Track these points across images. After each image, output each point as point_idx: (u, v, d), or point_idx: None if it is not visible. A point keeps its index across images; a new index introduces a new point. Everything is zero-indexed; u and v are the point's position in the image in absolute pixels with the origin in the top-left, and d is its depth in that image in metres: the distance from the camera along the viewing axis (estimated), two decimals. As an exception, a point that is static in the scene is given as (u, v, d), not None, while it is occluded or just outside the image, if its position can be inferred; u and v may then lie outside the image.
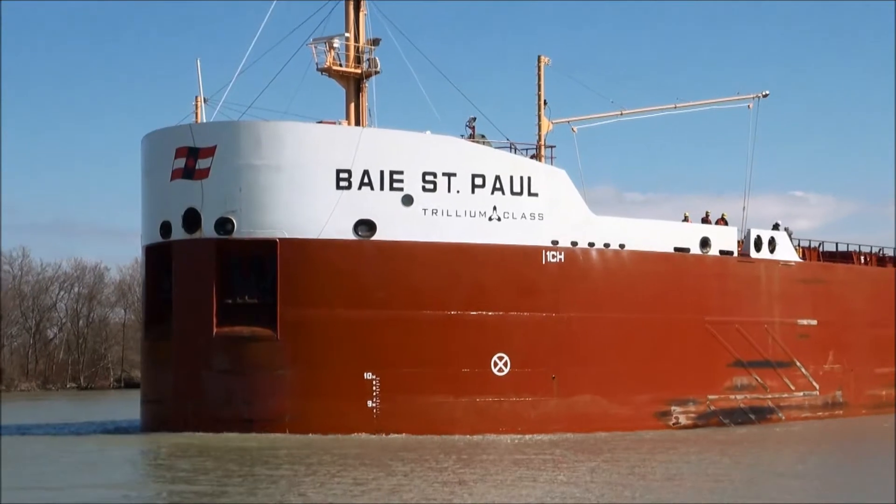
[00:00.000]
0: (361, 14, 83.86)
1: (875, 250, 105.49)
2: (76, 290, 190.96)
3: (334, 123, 79.25)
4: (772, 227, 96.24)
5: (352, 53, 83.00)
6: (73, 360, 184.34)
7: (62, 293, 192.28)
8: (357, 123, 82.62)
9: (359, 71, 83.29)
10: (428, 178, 77.50)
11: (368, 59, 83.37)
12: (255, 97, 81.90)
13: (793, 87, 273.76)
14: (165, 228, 78.93)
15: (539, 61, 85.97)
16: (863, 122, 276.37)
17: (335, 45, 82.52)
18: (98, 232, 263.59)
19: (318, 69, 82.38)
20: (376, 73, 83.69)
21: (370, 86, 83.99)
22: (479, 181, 78.50)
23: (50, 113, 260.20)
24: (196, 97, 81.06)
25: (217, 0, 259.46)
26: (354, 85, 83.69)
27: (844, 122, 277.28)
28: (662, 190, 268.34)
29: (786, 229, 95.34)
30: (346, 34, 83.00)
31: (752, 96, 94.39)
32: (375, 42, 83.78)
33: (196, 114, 79.83)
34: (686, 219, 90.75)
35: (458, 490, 52.17)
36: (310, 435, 74.06)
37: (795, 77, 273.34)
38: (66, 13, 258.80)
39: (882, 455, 69.10)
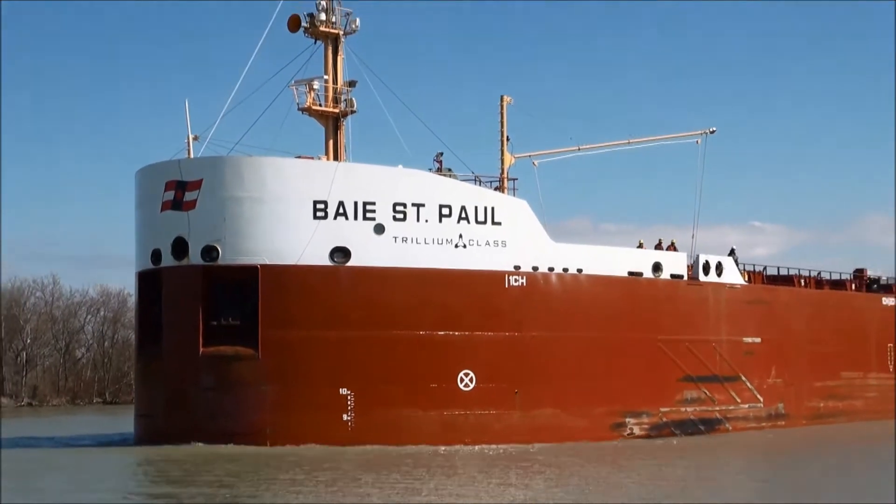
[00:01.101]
0: (339, 58, 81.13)
1: (814, 274, 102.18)
2: (102, 314, 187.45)
3: (312, 158, 76.60)
4: (728, 252, 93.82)
5: (330, 94, 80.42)
6: (99, 378, 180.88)
7: (89, 317, 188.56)
8: (336, 158, 79.91)
9: (337, 111, 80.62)
10: (398, 208, 74.70)
11: (346, 100, 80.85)
12: (242, 135, 79.06)
13: (745, 123, 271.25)
14: (156, 256, 76.16)
15: (502, 101, 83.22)
16: (811, 157, 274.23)
17: (315, 86, 79.84)
18: (125, 262, 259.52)
19: (299, 109, 79.71)
20: (353, 112, 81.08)
21: (347, 124, 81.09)
22: (446, 211, 75.68)
23: (70, 151, 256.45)
24: (190, 135, 77.58)
25: (208, 41, 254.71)
26: (333, 123, 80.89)
27: (794, 157, 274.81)
28: (633, 221, 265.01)
29: (730, 253, 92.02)
30: (325, 77, 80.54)
31: (699, 132, 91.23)
32: (352, 84, 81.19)
33: (188, 150, 76.58)
34: (640, 245, 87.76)
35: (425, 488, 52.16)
36: (289, 446, 71.24)
37: (750, 113, 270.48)
38: (66, 58, 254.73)
39: (819, 459, 70.03)
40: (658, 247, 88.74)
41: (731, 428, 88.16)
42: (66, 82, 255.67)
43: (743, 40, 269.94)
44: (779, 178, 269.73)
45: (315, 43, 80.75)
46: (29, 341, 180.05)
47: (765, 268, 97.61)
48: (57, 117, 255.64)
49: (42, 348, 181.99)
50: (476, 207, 76.34)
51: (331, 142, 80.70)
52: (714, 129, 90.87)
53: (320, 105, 79.90)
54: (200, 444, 71.78)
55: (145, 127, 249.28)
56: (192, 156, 76.16)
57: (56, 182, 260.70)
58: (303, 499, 50.35)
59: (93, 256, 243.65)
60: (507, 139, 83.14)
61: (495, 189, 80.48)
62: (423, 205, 75.10)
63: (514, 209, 78.42)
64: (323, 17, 79.82)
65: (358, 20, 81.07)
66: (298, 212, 73.49)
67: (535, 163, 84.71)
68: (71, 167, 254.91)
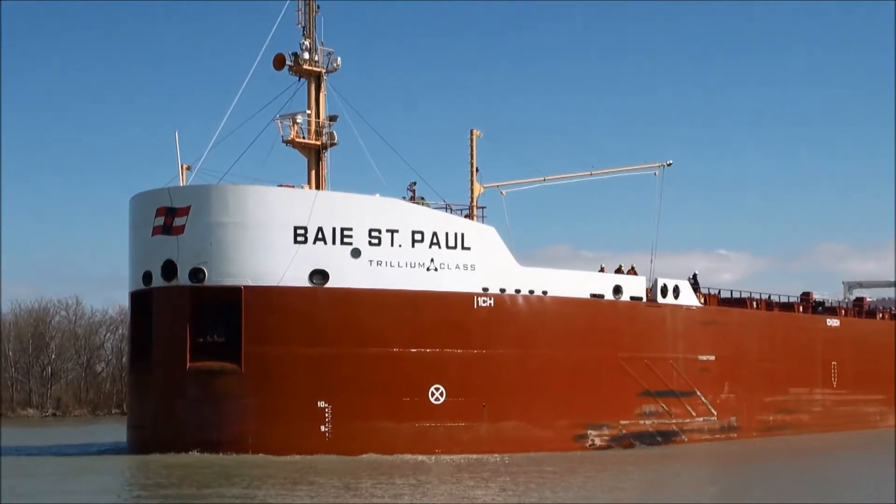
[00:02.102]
0: (322, 94, 78.62)
1: (765, 298, 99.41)
2: (120, 331, 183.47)
3: (293, 187, 73.95)
4: (691, 277, 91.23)
5: (312, 128, 77.91)
6: (117, 390, 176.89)
7: (108, 334, 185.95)
8: (318, 187, 77.30)
9: (318, 143, 78.04)
10: (374, 233, 72.12)
11: (327, 133, 78.31)
12: (231, 165, 76.34)
13: (710, 158, 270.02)
14: (147, 277, 73.51)
15: (472, 134, 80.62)
16: (772, 192, 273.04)
17: (298, 120, 77.40)
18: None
19: (283, 141, 77.20)
20: (333, 144, 78.51)
21: (328, 155, 78.52)
22: (418, 237, 73.06)
23: (92, 183, 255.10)
24: (182, 165, 74.99)
25: (201, 77, 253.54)
26: (315, 154, 78.31)
27: (757, 192, 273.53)
28: (610, 248, 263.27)
29: (689, 279, 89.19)
30: (308, 111, 78.03)
31: (657, 165, 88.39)
32: (333, 118, 78.68)
33: (181, 178, 73.99)
34: (602, 269, 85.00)
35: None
36: (270, 455, 68.50)
37: (714, 148, 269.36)
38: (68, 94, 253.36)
39: (768, 466, 68.92)
40: (619, 271, 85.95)
41: (686, 439, 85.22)
42: (79, 111, 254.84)
43: (703, 77, 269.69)
44: (742, 210, 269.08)
45: (299, 80, 78.28)
46: (54, 356, 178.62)
47: (719, 291, 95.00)
48: (72, 152, 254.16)
49: (66, 363, 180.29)
50: (447, 233, 73.82)
51: (313, 172, 78.15)
52: (671, 161, 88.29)
53: (303, 138, 77.45)
54: (187, 453, 68.97)
55: (150, 158, 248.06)
56: (184, 183, 73.62)
57: (77, 210, 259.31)
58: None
59: (111, 278, 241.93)
60: (477, 170, 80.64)
61: (465, 216, 77.81)
62: (397, 231, 72.59)
63: (482, 235, 75.82)
64: (306, 56, 77.47)
65: (339, 59, 78.72)
66: (280, 237, 70.94)
67: (503, 192, 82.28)
68: (93, 196, 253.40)
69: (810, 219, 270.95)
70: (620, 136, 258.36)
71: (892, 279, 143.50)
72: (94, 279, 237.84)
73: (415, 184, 77.69)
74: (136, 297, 75.36)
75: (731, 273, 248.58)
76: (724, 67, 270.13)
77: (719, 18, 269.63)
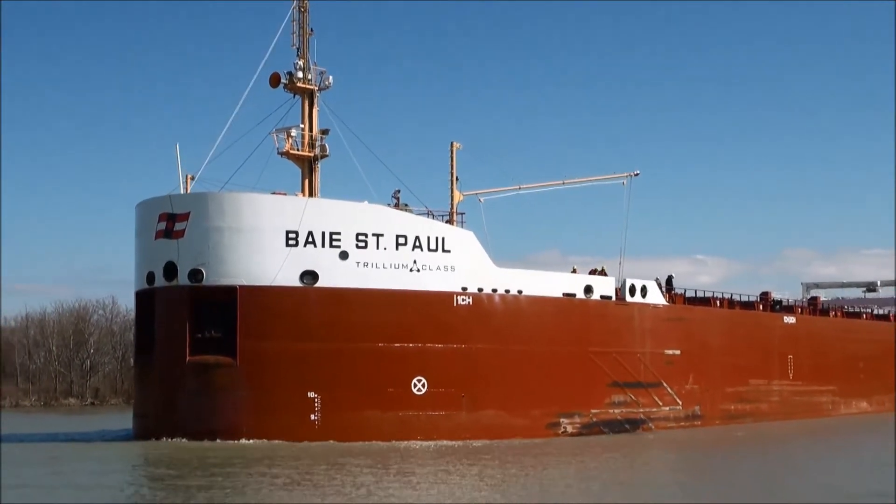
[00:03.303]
0: (314, 110, 75.44)
1: (727, 297, 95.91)
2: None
3: (286, 194, 70.66)
4: (667, 279, 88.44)
5: (306, 141, 74.71)
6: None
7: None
8: (310, 195, 74.09)
9: (311, 154, 74.86)
10: (360, 237, 68.95)
11: (319, 145, 75.12)
12: (231, 175, 73.12)
13: (689, 169, 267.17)
14: (150, 278, 70.45)
15: (452, 146, 77.33)
16: (747, 204, 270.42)
17: (292, 134, 74.26)
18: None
19: (278, 153, 74.02)
20: (325, 156, 75.34)
21: (320, 166, 75.33)
22: (402, 240, 69.89)
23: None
24: (187, 175, 71.77)
25: (204, 93, 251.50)
26: (308, 165, 75.10)
27: (731, 203, 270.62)
28: (597, 253, 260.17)
29: (657, 280, 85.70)
30: (302, 125, 74.86)
31: (625, 175, 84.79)
32: (325, 132, 75.49)
33: (186, 187, 70.90)
34: (574, 270, 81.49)
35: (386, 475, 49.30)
36: (263, 441, 65.87)
37: (693, 159, 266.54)
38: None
39: (729, 452, 67.32)
40: (593, 272, 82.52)
41: (653, 427, 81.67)
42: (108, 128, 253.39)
43: (673, 88, 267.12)
44: (718, 219, 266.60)
45: (293, 97, 75.14)
46: (92, 351, 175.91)
47: (685, 291, 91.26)
48: (105, 169, 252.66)
49: (103, 357, 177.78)
50: (428, 237, 70.65)
51: (306, 181, 74.96)
52: (638, 171, 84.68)
53: (297, 150, 74.27)
54: (185, 440, 66.16)
55: (168, 170, 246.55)
56: (189, 191, 70.54)
57: (114, 218, 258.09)
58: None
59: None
60: (457, 179, 77.41)
61: (446, 221, 74.55)
62: (382, 234, 69.45)
63: (461, 239, 72.63)
64: (300, 75, 74.33)
65: (331, 78, 75.61)
66: (272, 240, 67.91)
67: (481, 199, 78.89)
68: (128, 206, 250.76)
69: (779, 227, 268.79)
70: (595, 147, 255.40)
71: (845, 281, 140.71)
72: (128, 282, 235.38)
73: (399, 191, 74.66)
74: (140, 296, 72.30)
75: (708, 276, 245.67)
76: (695, 82, 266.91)
77: (685, 34, 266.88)
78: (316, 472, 51.92)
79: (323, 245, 68.32)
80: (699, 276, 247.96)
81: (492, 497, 44.40)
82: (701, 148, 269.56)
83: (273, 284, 67.61)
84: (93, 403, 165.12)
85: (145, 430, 69.84)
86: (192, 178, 71.73)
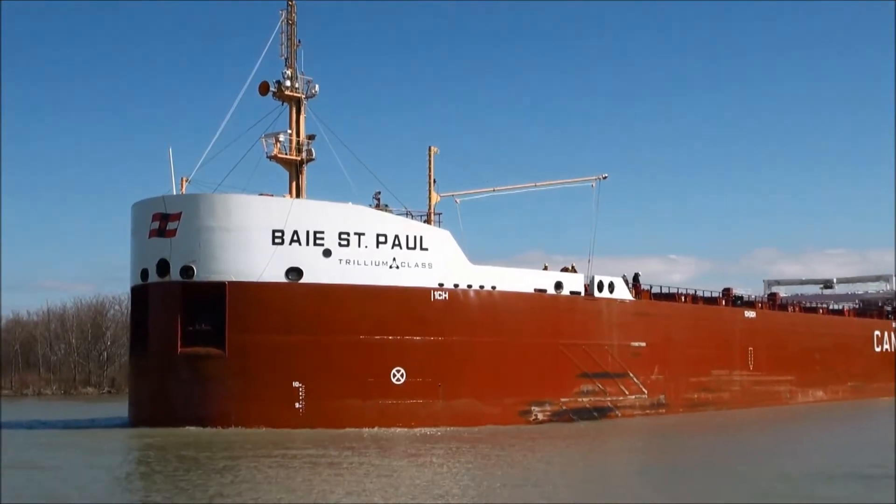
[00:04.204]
0: (302, 116, 73.49)
1: (691, 292, 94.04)
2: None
3: (272, 196, 68.66)
4: (633, 276, 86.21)
5: (293, 145, 72.72)
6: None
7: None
8: (297, 196, 72.03)
9: (298, 158, 72.85)
10: (343, 236, 67.03)
11: (306, 150, 73.11)
12: (223, 178, 71.09)
13: (664, 173, 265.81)
14: (144, 274, 68.47)
15: (430, 150, 75.26)
16: (716, 206, 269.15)
17: (281, 139, 72.29)
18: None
19: (267, 157, 72.00)
20: (311, 160, 73.31)
21: (307, 169, 73.31)
22: (382, 239, 67.95)
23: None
24: (182, 177, 69.70)
25: (198, 100, 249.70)
26: (295, 168, 73.11)
27: (701, 205, 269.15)
28: (579, 253, 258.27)
29: (624, 277, 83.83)
30: (289, 131, 72.80)
31: (594, 178, 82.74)
32: (311, 137, 73.49)
33: (181, 189, 68.93)
34: (546, 268, 79.55)
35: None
36: (251, 428, 63.85)
37: (668, 164, 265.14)
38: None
39: (691, 436, 66.42)
40: (564, 270, 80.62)
41: (620, 414, 79.69)
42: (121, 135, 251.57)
43: (644, 96, 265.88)
44: (690, 219, 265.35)
45: (282, 104, 73.19)
46: (109, 343, 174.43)
47: (651, 287, 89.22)
48: (117, 174, 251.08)
49: (119, 349, 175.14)
50: (407, 236, 68.77)
51: (293, 183, 72.97)
52: (606, 175, 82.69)
53: (285, 154, 72.29)
54: (177, 428, 63.93)
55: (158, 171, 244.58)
56: (183, 192, 68.55)
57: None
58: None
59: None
60: (434, 181, 75.21)
61: (424, 221, 72.55)
62: (363, 234, 67.55)
63: (438, 238, 70.74)
64: (288, 83, 72.40)
65: (317, 86, 73.77)
66: (260, 239, 65.97)
67: (458, 200, 76.83)
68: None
69: (747, 228, 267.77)
70: (569, 151, 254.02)
71: (804, 278, 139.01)
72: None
73: (379, 193, 72.71)
74: (135, 291, 70.32)
75: (680, 274, 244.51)
76: (668, 89, 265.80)
77: (648, 41, 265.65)
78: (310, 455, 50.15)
79: (307, 243, 66.43)
80: (672, 275, 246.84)
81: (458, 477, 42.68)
82: (674, 153, 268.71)
83: (260, 280, 65.71)
84: (109, 392, 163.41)
85: (140, 417, 67.96)
86: (188, 181, 69.82)
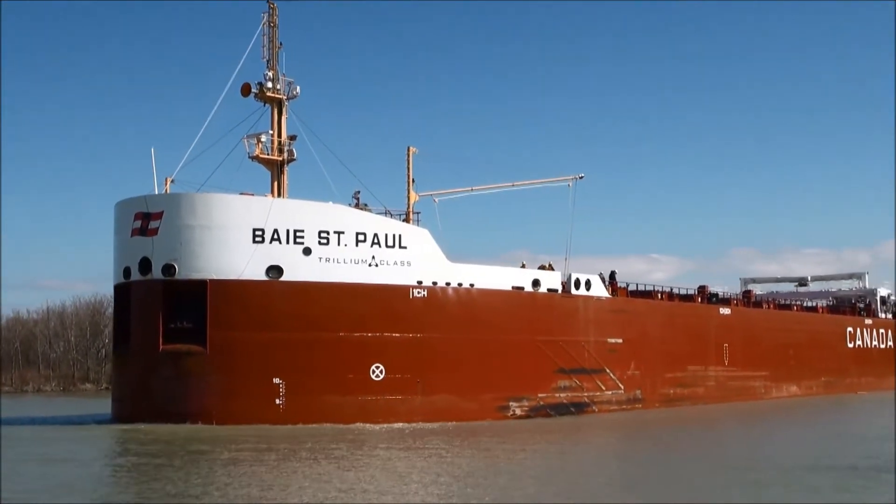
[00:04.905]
0: (283, 117, 71.98)
1: (667, 290, 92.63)
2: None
3: (253, 195, 67.07)
4: (609, 273, 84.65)
5: (275, 146, 71.23)
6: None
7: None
8: (279, 196, 70.49)
9: (280, 159, 71.35)
10: (322, 234, 65.51)
11: (287, 150, 71.58)
12: (207, 177, 70.07)
13: (645, 175, 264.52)
14: (127, 272, 66.94)
15: (408, 150, 73.70)
16: (696, 201, 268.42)
17: (262, 139, 70.82)
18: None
19: (249, 157, 70.47)
20: (293, 160, 71.81)
21: (288, 169, 71.77)
22: (361, 237, 66.44)
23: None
24: (167, 177, 68.14)
25: (180, 102, 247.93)
26: (277, 168, 71.62)
27: (683, 206, 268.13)
28: (560, 252, 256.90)
29: (600, 275, 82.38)
30: (271, 132, 71.31)
31: (570, 178, 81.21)
32: (293, 138, 71.97)
33: (166, 188, 67.40)
34: (523, 266, 78.02)
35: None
36: (231, 425, 61.90)
37: (648, 167, 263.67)
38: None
39: (666, 430, 65.28)
40: (542, 268, 79.16)
41: (597, 410, 78.20)
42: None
43: (621, 99, 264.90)
44: (672, 220, 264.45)
45: (264, 105, 71.70)
46: (107, 341, 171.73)
47: (627, 284, 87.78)
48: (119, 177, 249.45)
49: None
50: (386, 234, 67.28)
51: (275, 183, 71.47)
52: (582, 175, 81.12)
53: (267, 154, 70.83)
54: (159, 424, 62.25)
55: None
56: (168, 192, 67.03)
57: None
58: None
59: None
60: (413, 180, 73.63)
61: (402, 220, 71.08)
62: (342, 232, 66.06)
63: (417, 236, 69.22)
64: (269, 85, 70.89)
65: (298, 88, 72.21)
66: (240, 237, 64.45)
67: (436, 200, 75.35)
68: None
69: (727, 228, 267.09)
70: (549, 152, 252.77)
71: (779, 277, 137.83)
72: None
73: (359, 192, 71.26)
74: (118, 289, 68.69)
75: (662, 273, 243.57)
76: (652, 90, 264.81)
77: (628, 40, 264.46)
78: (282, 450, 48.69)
79: (287, 242, 64.95)
80: (654, 273, 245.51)
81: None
82: (656, 153, 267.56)
83: (241, 278, 64.21)
84: (107, 388, 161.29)
85: (122, 414, 66.41)
86: (172, 181, 68.34)
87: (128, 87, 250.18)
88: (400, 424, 64.81)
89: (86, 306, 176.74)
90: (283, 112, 71.80)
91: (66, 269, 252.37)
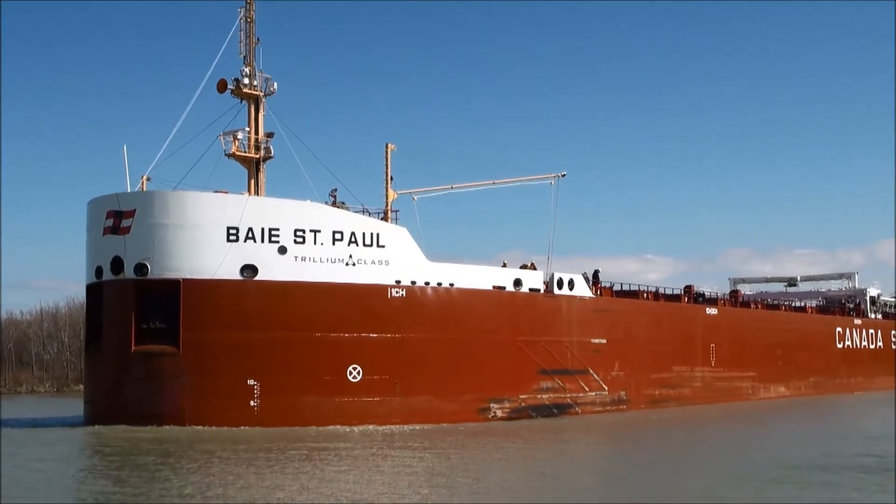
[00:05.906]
0: (260, 114, 69.85)
1: (653, 290, 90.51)
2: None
3: (227, 193, 64.87)
4: (593, 273, 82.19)
5: (252, 143, 69.13)
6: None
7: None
8: (257, 194, 68.43)
9: (257, 156, 69.25)
10: (298, 233, 63.38)
11: (264, 148, 69.47)
12: (183, 175, 67.76)
13: (640, 174, 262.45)
14: (99, 272, 64.76)
15: (387, 147, 71.59)
16: (689, 201, 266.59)
17: (239, 136, 68.71)
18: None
19: (225, 155, 68.42)
20: (270, 157, 69.69)
21: (266, 167, 69.67)
22: (338, 236, 64.36)
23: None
24: (142, 175, 65.87)
25: (154, 100, 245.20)
26: (254, 166, 69.50)
27: (676, 206, 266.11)
28: (556, 253, 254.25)
29: (584, 275, 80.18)
30: (248, 129, 69.16)
31: (552, 175, 78.95)
32: (270, 135, 69.82)
33: (142, 186, 65.23)
34: (504, 265, 75.74)
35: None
36: (204, 427, 60.17)
37: (642, 167, 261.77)
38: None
39: (651, 432, 64.29)
40: (524, 267, 77.03)
41: (580, 411, 75.97)
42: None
43: (607, 98, 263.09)
44: (666, 220, 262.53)
45: (240, 102, 69.61)
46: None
47: (612, 284, 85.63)
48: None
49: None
50: (364, 233, 65.16)
51: (252, 181, 69.35)
52: (564, 173, 78.88)
53: (243, 152, 68.72)
54: (131, 426, 60.23)
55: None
56: (144, 189, 64.90)
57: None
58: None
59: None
60: (391, 178, 71.49)
61: (381, 218, 68.98)
62: (319, 231, 63.93)
63: (395, 235, 67.05)
64: (246, 81, 68.83)
65: (276, 84, 70.07)
66: (214, 236, 62.30)
67: (415, 198, 73.20)
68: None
69: (721, 228, 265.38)
70: (533, 151, 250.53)
71: (769, 276, 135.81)
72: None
73: (336, 190, 69.11)
74: (90, 289, 66.47)
75: (656, 273, 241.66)
76: (633, 89, 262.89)
77: (614, 36, 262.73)
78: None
79: (262, 240, 62.85)
80: (648, 274, 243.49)
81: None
82: (652, 152, 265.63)
83: (214, 278, 62.10)
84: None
85: (94, 415, 64.23)
86: (148, 178, 66.23)
87: (106, 83, 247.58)
88: (377, 426, 62.66)
89: (79, 307, 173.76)
90: (261, 109, 69.73)
91: (60, 270, 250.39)
